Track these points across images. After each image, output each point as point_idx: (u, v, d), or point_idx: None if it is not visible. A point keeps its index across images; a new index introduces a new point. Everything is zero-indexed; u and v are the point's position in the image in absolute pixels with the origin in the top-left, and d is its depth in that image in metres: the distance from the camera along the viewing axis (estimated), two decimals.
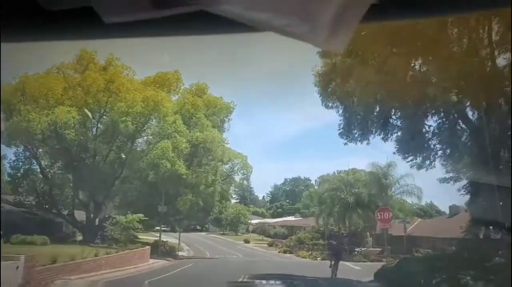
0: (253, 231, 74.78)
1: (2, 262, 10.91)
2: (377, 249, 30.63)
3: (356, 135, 21.70)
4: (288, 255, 40.32)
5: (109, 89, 27.30)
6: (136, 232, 30.09)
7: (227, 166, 33.81)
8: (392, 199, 36.17)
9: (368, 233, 29.55)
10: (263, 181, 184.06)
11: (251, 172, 35.75)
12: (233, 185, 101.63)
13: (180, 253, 40.31)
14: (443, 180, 26.83)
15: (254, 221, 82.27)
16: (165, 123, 28.01)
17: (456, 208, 39.68)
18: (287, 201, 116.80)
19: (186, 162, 28.72)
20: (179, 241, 39.13)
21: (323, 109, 21.88)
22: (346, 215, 38.65)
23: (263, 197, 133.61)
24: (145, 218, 26.97)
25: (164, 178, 26.65)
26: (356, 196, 37.38)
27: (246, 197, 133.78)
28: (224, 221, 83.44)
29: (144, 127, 29.38)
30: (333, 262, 19.89)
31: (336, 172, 41.73)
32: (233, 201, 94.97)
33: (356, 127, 21.42)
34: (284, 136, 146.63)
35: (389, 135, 21.26)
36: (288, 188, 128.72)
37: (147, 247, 26.10)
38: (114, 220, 28.65)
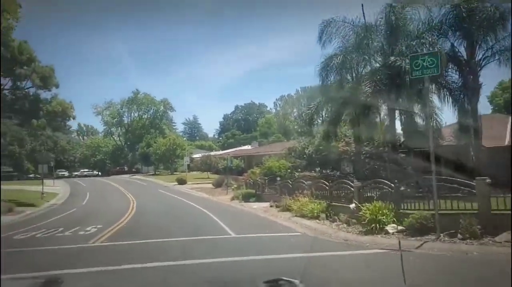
0: (195, 168, 52.99)
1: None
2: None
3: None
4: (258, 206, 18.85)
5: None
6: None
7: None
8: None
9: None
10: (213, 120, 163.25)
11: None
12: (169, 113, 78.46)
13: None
14: None
15: (196, 155, 60.25)
16: None
17: None
18: (239, 131, 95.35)
19: None
20: None
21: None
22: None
23: (213, 134, 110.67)
24: None
25: None
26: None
27: (194, 134, 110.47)
28: (153, 156, 60.38)
29: None
30: None
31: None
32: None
33: None
34: (230, 76, 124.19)
35: None
36: (240, 117, 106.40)
37: None
38: None
